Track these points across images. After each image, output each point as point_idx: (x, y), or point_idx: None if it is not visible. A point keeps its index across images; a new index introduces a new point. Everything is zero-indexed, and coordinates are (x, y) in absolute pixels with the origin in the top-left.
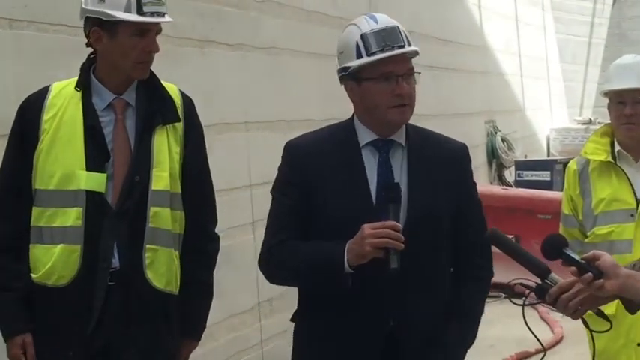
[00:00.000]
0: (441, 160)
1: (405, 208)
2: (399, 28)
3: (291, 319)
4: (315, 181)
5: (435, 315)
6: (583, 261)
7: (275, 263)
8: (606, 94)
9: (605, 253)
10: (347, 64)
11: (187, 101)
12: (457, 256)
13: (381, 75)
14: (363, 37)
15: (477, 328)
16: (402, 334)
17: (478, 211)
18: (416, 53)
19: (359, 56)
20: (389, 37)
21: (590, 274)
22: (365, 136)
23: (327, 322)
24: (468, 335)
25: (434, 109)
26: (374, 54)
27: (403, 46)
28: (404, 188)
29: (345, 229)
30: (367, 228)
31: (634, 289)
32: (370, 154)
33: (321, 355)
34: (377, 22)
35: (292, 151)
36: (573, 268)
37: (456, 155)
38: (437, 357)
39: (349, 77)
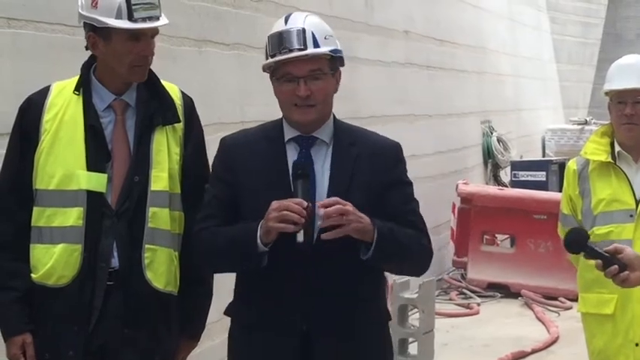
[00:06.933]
0: (368, 159)
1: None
2: (302, 31)
3: (225, 312)
4: (241, 175)
5: (348, 312)
6: (607, 254)
7: (199, 247)
8: (607, 93)
9: (627, 246)
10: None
11: (188, 102)
12: None
13: (282, 76)
14: (268, 38)
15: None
16: (316, 334)
17: (408, 208)
18: (325, 55)
19: (266, 57)
20: (287, 39)
21: (615, 266)
22: (289, 132)
23: (251, 313)
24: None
25: (429, 108)
26: (273, 56)
27: (303, 49)
28: (325, 185)
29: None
30: (273, 203)
31: None
32: (293, 149)
33: (248, 348)
34: (285, 24)
35: (223, 147)
36: (598, 261)
37: (384, 152)
38: (352, 354)
39: (270, 76)
